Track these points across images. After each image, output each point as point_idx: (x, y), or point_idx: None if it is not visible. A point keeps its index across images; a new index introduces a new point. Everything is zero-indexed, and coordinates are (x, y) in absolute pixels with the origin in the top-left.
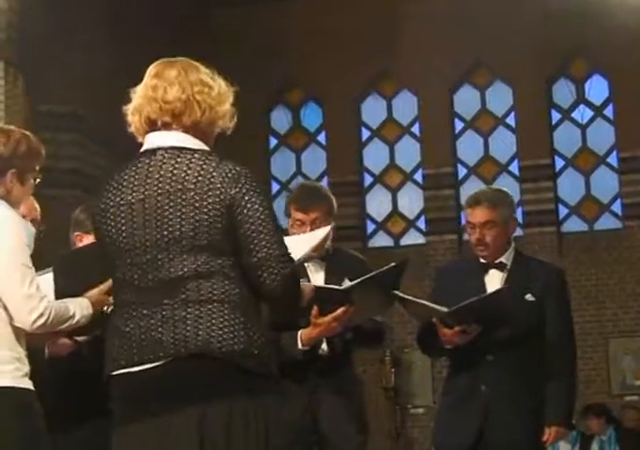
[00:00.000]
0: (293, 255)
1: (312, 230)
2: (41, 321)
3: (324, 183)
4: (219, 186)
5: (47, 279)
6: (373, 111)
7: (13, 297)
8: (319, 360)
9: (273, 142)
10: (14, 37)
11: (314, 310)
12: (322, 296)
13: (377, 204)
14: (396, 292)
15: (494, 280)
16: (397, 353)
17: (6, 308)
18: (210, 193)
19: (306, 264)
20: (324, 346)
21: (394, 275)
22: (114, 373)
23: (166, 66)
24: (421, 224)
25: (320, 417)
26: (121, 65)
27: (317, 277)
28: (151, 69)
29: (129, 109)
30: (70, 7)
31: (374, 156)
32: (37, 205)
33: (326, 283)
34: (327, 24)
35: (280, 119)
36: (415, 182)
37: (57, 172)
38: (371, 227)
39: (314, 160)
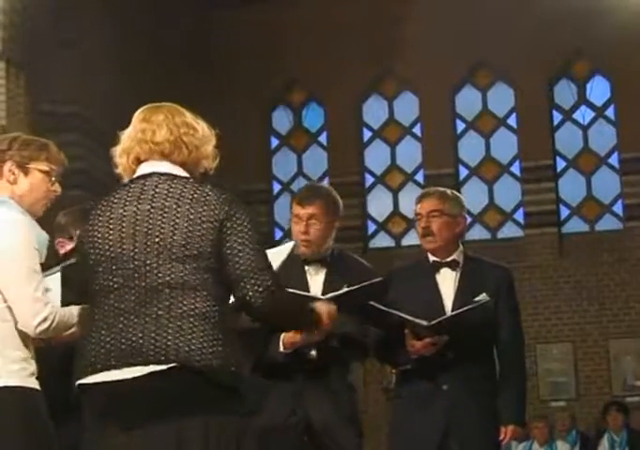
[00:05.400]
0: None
1: (306, 226)
2: (45, 325)
3: (325, 183)
4: (214, 203)
5: (55, 279)
6: (374, 111)
7: (19, 300)
8: (307, 363)
9: (274, 142)
10: (16, 36)
11: None
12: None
13: (378, 205)
14: (372, 303)
15: (446, 279)
16: None
17: (12, 310)
18: (205, 207)
19: (305, 267)
20: (313, 352)
21: (381, 290)
22: (89, 382)
23: (153, 111)
24: None
25: (312, 419)
26: (122, 65)
27: (317, 279)
28: (139, 114)
29: (117, 151)
30: (71, 6)
31: (376, 156)
32: None
33: (324, 286)
34: (329, 24)
35: (281, 119)
36: (416, 183)
37: None
38: (372, 227)
39: (316, 161)
